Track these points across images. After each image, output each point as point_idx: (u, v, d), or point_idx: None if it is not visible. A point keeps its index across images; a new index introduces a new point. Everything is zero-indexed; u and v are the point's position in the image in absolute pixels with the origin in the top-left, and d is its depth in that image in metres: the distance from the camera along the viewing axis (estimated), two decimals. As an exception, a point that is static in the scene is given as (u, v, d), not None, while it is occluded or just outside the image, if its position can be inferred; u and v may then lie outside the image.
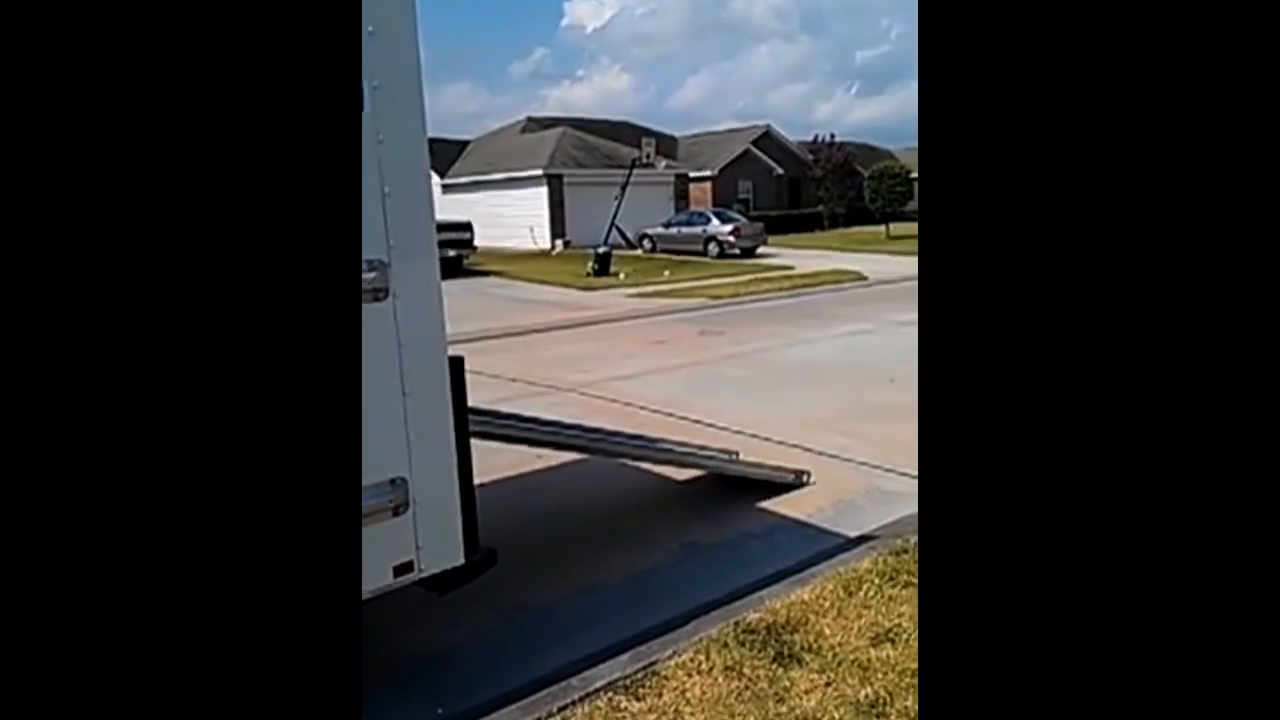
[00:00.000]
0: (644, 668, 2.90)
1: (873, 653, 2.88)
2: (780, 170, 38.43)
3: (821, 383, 7.90)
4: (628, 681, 2.82)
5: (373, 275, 2.32)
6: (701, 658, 2.92)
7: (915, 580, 3.41)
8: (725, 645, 2.99)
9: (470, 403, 2.84)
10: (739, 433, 5.99)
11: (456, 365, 2.67)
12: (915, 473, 4.52)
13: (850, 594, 3.32)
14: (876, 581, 3.41)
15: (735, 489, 4.81)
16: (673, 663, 2.91)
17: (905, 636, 2.97)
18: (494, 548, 2.98)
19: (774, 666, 2.85)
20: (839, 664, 2.82)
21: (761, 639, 3.02)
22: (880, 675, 2.74)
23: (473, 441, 2.85)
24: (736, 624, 3.13)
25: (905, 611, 3.15)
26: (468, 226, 20.57)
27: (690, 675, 2.83)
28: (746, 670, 2.83)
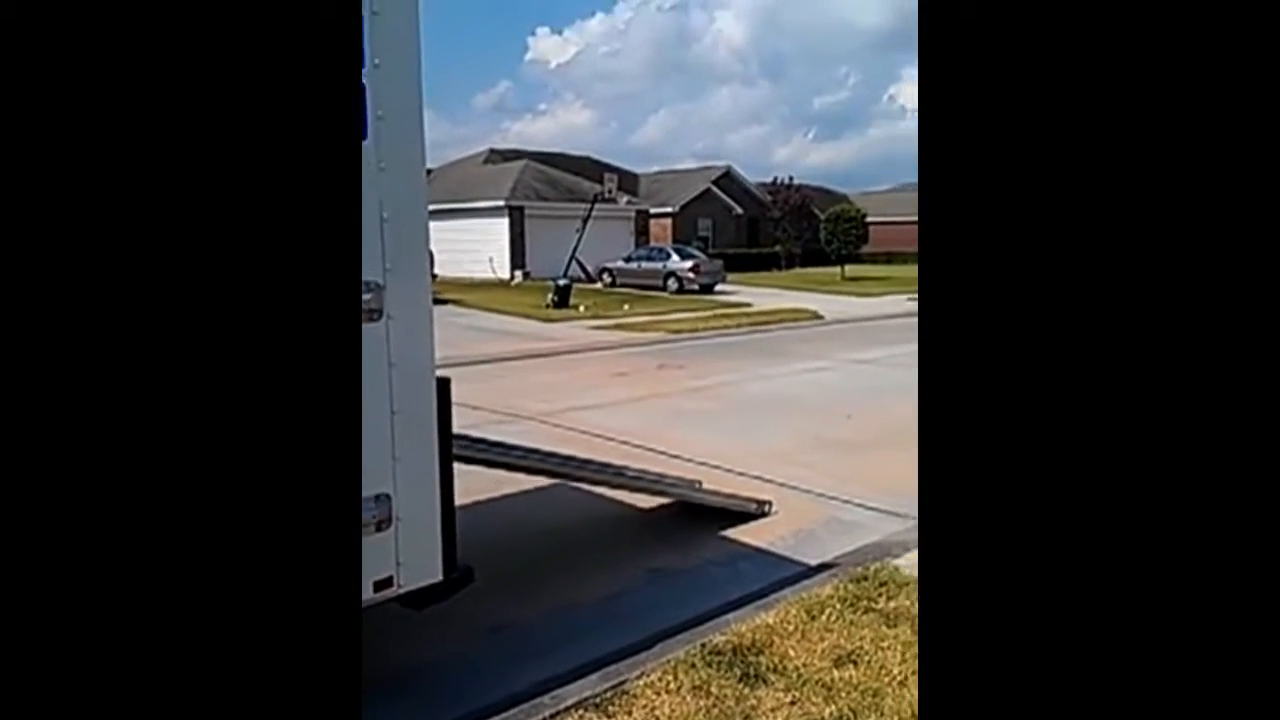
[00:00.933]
0: (613, 687, 2.97)
1: (836, 673, 2.99)
2: (739, 210, 39.14)
3: (780, 417, 8.08)
4: (598, 700, 2.89)
5: (368, 296, 2.41)
6: (670, 678, 3.00)
7: (875, 606, 3.54)
8: (692, 666, 3.07)
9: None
10: (701, 463, 6.11)
11: (443, 386, 2.75)
12: (872, 505, 4.69)
13: (813, 618, 3.43)
14: (838, 607, 3.53)
15: (699, 518, 4.92)
16: (641, 682, 2.99)
17: (867, 658, 3.09)
18: (471, 566, 3.04)
19: (740, 686, 2.94)
20: (804, 684, 2.93)
21: (728, 660, 3.11)
22: (844, 694, 2.84)
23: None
24: (703, 645, 3.22)
25: (866, 635, 3.27)
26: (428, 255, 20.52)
27: (659, 694, 2.91)
28: (714, 689, 2.92)
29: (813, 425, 7.60)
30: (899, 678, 2.92)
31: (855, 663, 3.06)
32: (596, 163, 35.46)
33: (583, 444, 6.53)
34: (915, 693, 2.74)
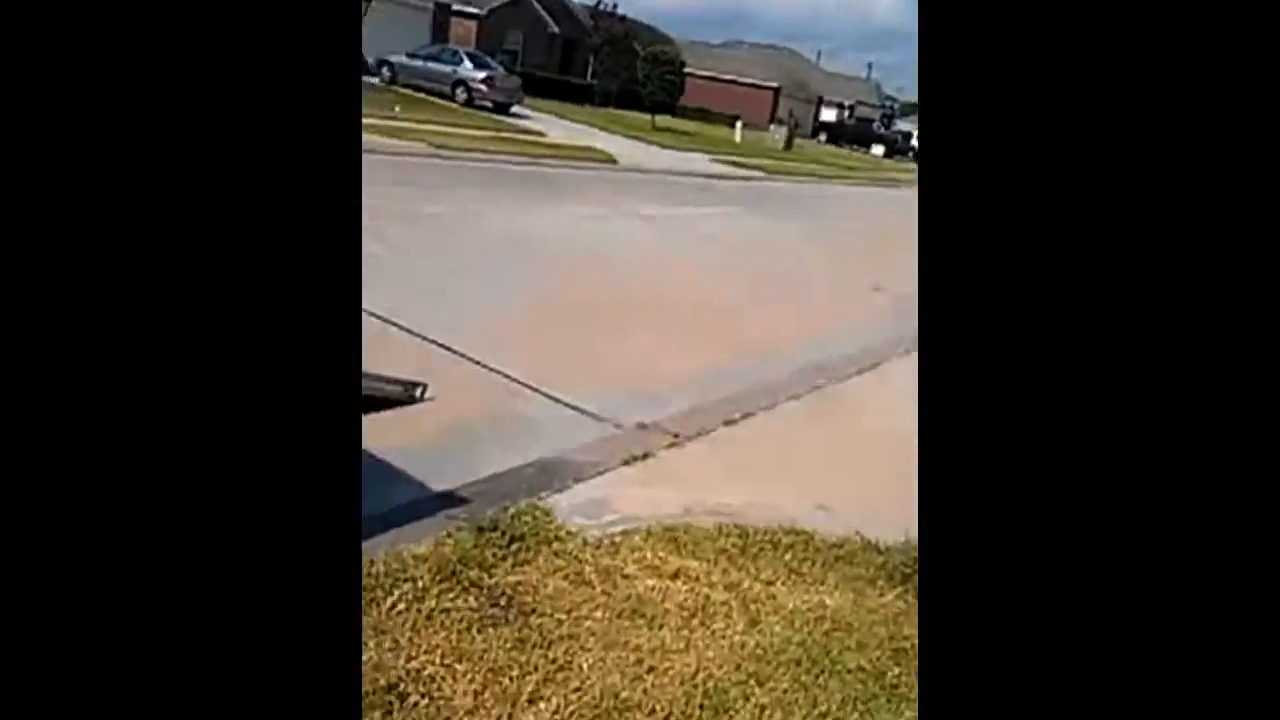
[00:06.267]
0: None
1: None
2: (556, 28, 36.15)
3: (518, 269, 6.82)
4: None
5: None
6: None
7: (482, 581, 2.43)
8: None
9: None
10: (377, 316, 4.71)
11: None
12: (573, 402, 3.41)
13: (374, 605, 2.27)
14: (426, 581, 2.39)
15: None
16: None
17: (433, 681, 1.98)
18: None
19: None
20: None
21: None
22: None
23: None
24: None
25: (441, 643, 2.15)
26: None
27: None
28: None
29: (556, 285, 6.42)
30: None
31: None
32: (403, -62, 30.84)
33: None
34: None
